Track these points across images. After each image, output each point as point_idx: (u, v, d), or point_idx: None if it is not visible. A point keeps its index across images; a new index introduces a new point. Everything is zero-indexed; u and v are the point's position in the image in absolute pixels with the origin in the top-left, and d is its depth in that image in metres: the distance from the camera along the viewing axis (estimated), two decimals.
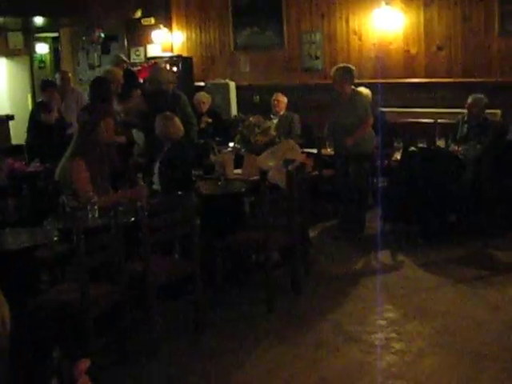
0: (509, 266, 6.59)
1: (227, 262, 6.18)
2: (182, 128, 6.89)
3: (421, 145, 8.08)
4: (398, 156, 7.94)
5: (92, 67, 13.61)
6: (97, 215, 5.38)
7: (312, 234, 7.59)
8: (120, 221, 5.06)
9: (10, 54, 14.83)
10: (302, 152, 7.39)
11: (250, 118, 7.13)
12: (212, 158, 7.35)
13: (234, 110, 11.61)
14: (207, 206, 6.54)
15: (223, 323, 5.51)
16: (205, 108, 10.05)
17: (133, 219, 5.16)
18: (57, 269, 5.73)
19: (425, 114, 9.57)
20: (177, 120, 6.99)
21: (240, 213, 6.89)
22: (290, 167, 6.39)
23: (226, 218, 6.54)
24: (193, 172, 6.80)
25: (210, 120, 10.01)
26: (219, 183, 6.79)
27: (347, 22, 10.25)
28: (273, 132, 7.05)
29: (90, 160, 5.84)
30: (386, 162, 7.97)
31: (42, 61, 15.48)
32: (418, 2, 9.56)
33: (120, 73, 8.82)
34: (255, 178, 6.74)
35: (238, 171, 7.27)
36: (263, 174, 6.76)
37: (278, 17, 11.00)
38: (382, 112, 9.19)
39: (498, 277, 6.31)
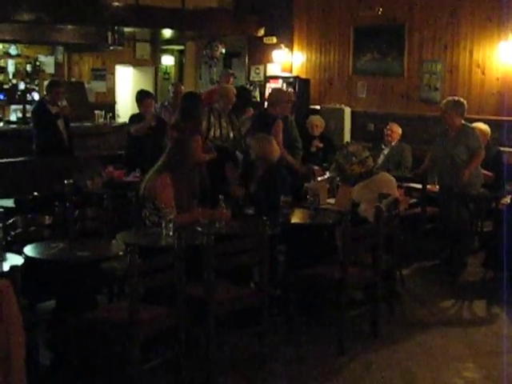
0: None
1: (304, 295, 5.87)
2: (278, 150, 6.69)
3: None
4: (508, 200, 7.38)
5: (213, 82, 13.66)
6: (171, 233, 5.25)
7: (406, 273, 7.19)
8: (190, 242, 4.92)
9: (136, 63, 15.20)
10: (400, 186, 7.01)
11: (349, 147, 6.81)
12: (306, 184, 7.10)
13: (347, 137, 11.31)
14: (293, 234, 6.29)
15: (288, 360, 5.21)
16: (317, 132, 9.84)
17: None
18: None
19: None
20: (274, 142, 6.80)
21: (328, 245, 6.58)
22: (382, 202, 6.04)
23: (313, 250, 6.25)
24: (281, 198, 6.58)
25: (320, 144, 9.78)
26: (309, 212, 6.52)
27: (471, 53, 9.71)
28: (370, 163, 6.70)
29: (178, 177, 5.74)
30: (494, 204, 7.44)
31: (166, 72, 15.78)
32: None
33: (231, 90, 8.71)
34: (348, 209, 6.42)
35: (331, 201, 6.98)
36: (355, 206, 6.45)
37: (400, 44, 10.60)
38: (499, 151, 8.64)
39: None
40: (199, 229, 5.47)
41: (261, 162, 6.67)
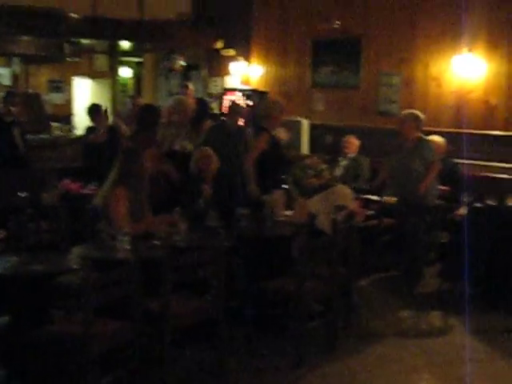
0: None
1: (262, 308, 5.85)
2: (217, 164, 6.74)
3: (489, 202, 7.58)
4: (463, 211, 7.47)
5: (171, 94, 13.62)
6: (127, 246, 5.20)
7: (363, 284, 7.23)
8: (147, 255, 4.90)
9: (94, 75, 15.10)
10: (358, 198, 7.05)
11: (305, 160, 6.84)
12: (263, 197, 7.10)
13: (305, 149, 11.33)
14: (250, 247, 6.28)
15: (246, 373, 5.18)
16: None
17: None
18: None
19: (501, 169, 9.02)
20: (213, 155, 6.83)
21: (286, 257, 6.58)
22: (338, 214, 6.07)
23: (271, 262, 6.24)
24: (238, 210, 6.58)
25: None
26: (266, 224, 6.51)
27: (427, 67, 9.84)
28: (327, 175, 6.74)
29: (131, 186, 5.73)
30: (450, 216, 7.52)
31: (124, 84, 15.68)
32: (502, 50, 9.06)
33: (188, 102, 8.69)
34: (305, 221, 6.44)
35: (289, 213, 6.98)
36: (312, 218, 6.47)
37: (357, 57, 10.70)
38: (455, 163, 8.74)
39: None
40: (156, 242, 5.43)
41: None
